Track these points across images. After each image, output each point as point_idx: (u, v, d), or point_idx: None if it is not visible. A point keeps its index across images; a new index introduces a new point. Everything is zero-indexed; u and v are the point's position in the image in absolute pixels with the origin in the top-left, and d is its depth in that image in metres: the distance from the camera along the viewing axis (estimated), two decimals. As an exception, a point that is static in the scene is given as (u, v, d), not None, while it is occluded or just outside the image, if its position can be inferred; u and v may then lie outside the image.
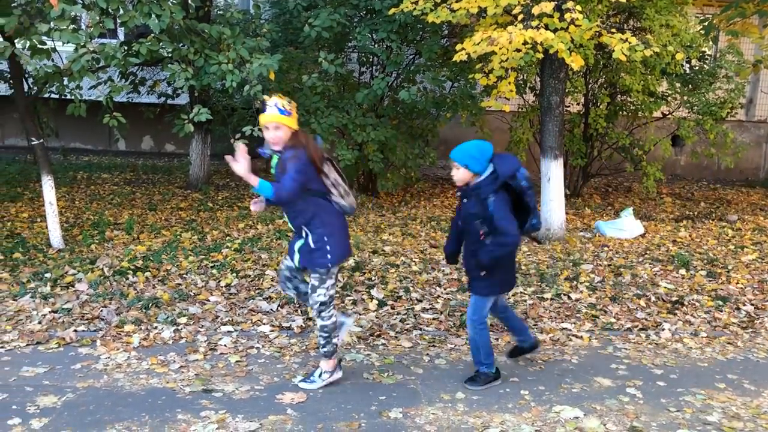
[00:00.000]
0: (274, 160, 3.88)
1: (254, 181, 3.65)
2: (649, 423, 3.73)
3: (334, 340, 4.02)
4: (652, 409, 3.90)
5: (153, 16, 5.94)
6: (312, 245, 3.84)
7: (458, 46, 6.70)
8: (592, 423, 3.70)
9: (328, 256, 3.82)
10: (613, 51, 6.60)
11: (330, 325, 3.96)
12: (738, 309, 5.68)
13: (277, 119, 3.75)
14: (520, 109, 10.30)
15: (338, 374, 4.09)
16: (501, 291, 4.12)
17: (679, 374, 4.41)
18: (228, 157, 3.70)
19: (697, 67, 10.18)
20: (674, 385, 4.24)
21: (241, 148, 3.69)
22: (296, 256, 3.94)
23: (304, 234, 3.88)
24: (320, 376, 4.04)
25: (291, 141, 3.77)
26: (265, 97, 3.92)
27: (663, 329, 5.19)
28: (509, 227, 3.83)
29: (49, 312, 5.00)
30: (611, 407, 3.91)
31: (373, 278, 6.06)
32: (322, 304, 3.90)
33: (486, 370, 4.11)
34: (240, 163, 3.67)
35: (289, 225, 3.99)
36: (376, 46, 9.00)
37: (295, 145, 3.74)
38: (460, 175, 3.98)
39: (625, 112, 10.32)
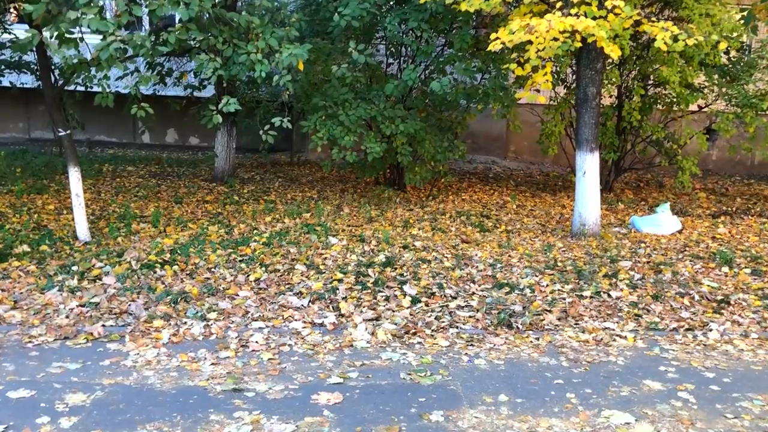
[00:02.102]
0: None
1: None
2: (706, 430, 3.53)
3: None
4: (708, 416, 3.69)
5: (181, 4, 5.79)
6: None
7: (492, 35, 6.50)
8: (645, 429, 3.51)
9: None
10: (654, 40, 6.37)
11: None
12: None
13: None
14: (551, 102, 10.05)
15: None
16: None
17: (732, 378, 4.19)
18: None
19: (735, 59, 9.86)
20: (729, 390, 4.02)
21: None
22: None
23: None
24: None
25: None
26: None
27: (711, 330, 4.96)
28: None
29: (77, 306, 4.89)
30: (664, 412, 3.71)
31: (404, 274, 5.89)
32: None
33: None
34: None
35: None
36: (405, 36, 8.80)
37: None
38: None
39: (659, 105, 10.03)
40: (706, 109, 10.21)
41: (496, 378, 4.07)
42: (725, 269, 6.35)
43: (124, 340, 4.43)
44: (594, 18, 6.23)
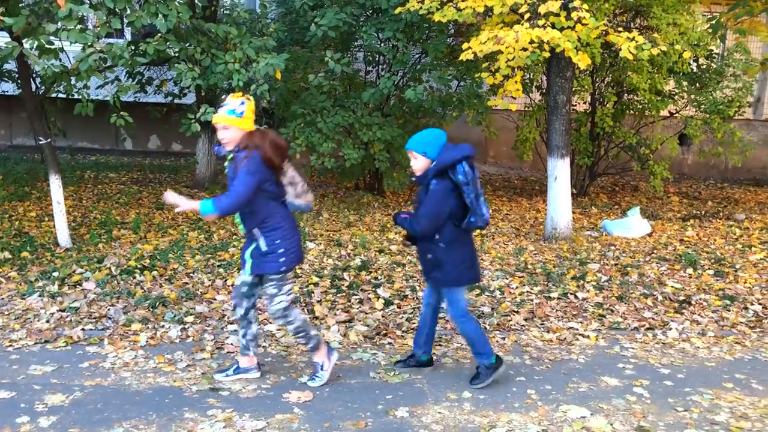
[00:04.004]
0: (228, 159, 3.84)
1: (196, 205, 3.63)
2: (657, 423, 3.72)
3: (312, 333, 3.99)
4: (660, 409, 3.89)
5: (160, 15, 5.95)
6: (263, 249, 3.77)
7: (465, 45, 6.70)
8: (599, 422, 3.69)
9: (281, 259, 3.77)
10: (620, 50, 6.59)
11: (301, 324, 3.93)
12: (746, 308, 5.66)
13: (224, 120, 3.73)
14: (526, 108, 10.28)
15: (334, 356, 4.08)
16: (468, 281, 4.06)
17: (686, 374, 4.40)
18: (167, 199, 3.69)
19: (704, 66, 10.14)
20: (682, 385, 4.22)
21: (168, 197, 3.71)
22: (247, 264, 3.85)
23: (255, 238, 3.81)
24: (322, 368, 4.03)
25: (243, 141, 3.72)
26: (226, 96, 3.89)
27: (670, 329, 5.18)
28: (423, 221, 3.82)
29: (57, 311, 5.02)
30: (618, 407, 3.90)
31: (379, 277, 6.06)
32: (284, 309, 3.86)
33: (486, 360, 4.06)
34: (179, 203, 3.67)
35: (241, 230, 3.92)
36: (382, 45, 8.99)
37: (248, 146, 3.69)
38: (419, 164, 3.94)
39: (632, 111, 10.29)
40: (677, 115, 10.48)
41: (461, 376, 4.25)
42: (690, 271, 6.57)
43: (102, 343, 4.57)
44: (561, 29, 6.45)
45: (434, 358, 4.45)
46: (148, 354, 4.44)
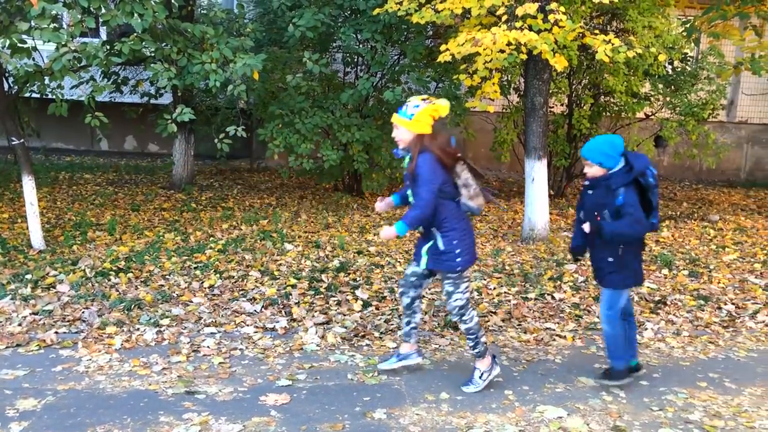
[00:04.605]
0: (406, 160, 3.96)
1: (395, 230, 3.82)
2: (632, 422, 3.76)
3: (482, 339, 4.10)
4: (635, 408, 3.92)
5: (135, 15, 5.89)
6: (441, 248, 3.91)
7: (443, 47, 6.72)
8: (576, 422, 3.72)
9: (458, 259, 3.90)
10: (597, 52, 6.64)
11: (474, 326, 4.04)
12: (719, 308, 5.73)
13: (395, 119, 3.91)
14: (504, 110, 10.33)
15: (496, 370, 4.14)
16: (634, 284, 4.17)
17: (661, 373, 4.44)
18: (385, 237, 3.92)
19: (679, 69, 10.26)
20: (657, 384, 4.26)
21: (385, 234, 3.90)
22: (423, 259, 4.01)
23: (432, 236, 3.94)
24: (480, 377, 4.10)
25: (413, 143, 3.86)
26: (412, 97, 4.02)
27: (646, 329, 5.23)
28: (637, 226, 3.92)
29: (30, 314, 4.94)
30: (594, 407, 3.93)
31: (357, 279, 6.05)
32: (461, 308, 4.00)
33: (623, 364, 4.14)
34: (387, 236, 3.89)
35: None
36: (360, 46, 8.98)
37: (421, 149, 3.81)
38: (593, 171, 4.04)
39: (608, 113, 10.38)
40: (653, 117, 10.60)
41: (439, 377, 4.25)
42: (665, 271, 6.64)
43: (76, 346, 4.50)
44: (539, 31, 6.49)
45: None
46: (123, 357, 4.38)
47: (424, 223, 3.90)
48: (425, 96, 3.98)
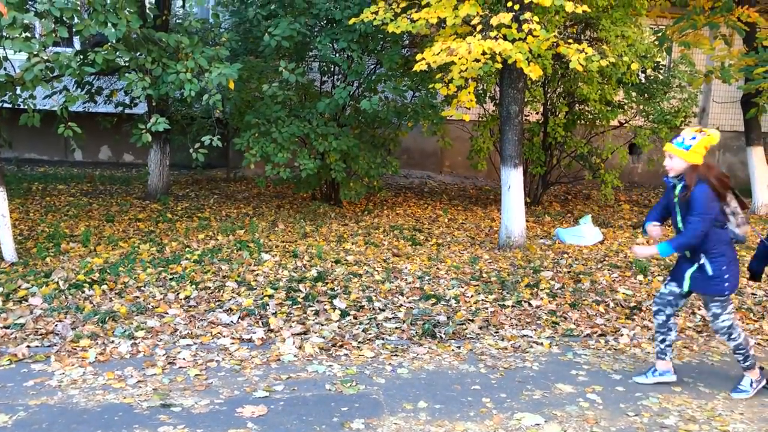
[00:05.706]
0: (677, 188, 4.10)
1: (655, 250, 4.18)
2: (609, 428, 3.78)
3: (751, 352, 4.25)
4: (611, 414, 3.95)
5: (109, 24, 5.85)
6: (710, 273, 4.06)
7: (418, 56, 6.76)
8: (553, 429, 3.73)
9: (726, 284, 4.06)
10: (570, 61, 6.72)
11: (742, 341, 4.19)
12: (693, 314, 5.81)
13: (670, 149, 4.06)
14: (480, 119, 10.40)
15: (764, 382, 4.30)
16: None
17: (637, 379, 4.49)
18: (639, 255, 4.58)
19: (651, 77, 10.42)
20: (633, 390, 4.30)
21: (638, 253, 4.43)
22: (686, 282, 4.17)
23: (698, 261, 4.09)
24: (750, 384, 4.26)
25: (687, 173, 4.01)
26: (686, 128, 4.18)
27: (622, 335, 5.27)
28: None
29: (1, 327, 4.85)
30: (572, 413, 3.95)
31: (335, 288, 6.03)
32: (729, 327, 4.16)
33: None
34: (642, 254, 4.48)
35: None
36: (337, 55, 9.00)
37: (697, 180, 3.96)
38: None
39: (583, 121, 10.50)
40: (626, 125, 10.74)
41: (418, 386, 4.25)
42: (640, 277, 6.72)
43: (49, 360, 4.43)
44: (513, 40, 6.56)
45: (390, 368, 4.42)
46: (97, 371, 4.32)
47: (689, 249, 4.09)
48: (699, 127, 4.12)
